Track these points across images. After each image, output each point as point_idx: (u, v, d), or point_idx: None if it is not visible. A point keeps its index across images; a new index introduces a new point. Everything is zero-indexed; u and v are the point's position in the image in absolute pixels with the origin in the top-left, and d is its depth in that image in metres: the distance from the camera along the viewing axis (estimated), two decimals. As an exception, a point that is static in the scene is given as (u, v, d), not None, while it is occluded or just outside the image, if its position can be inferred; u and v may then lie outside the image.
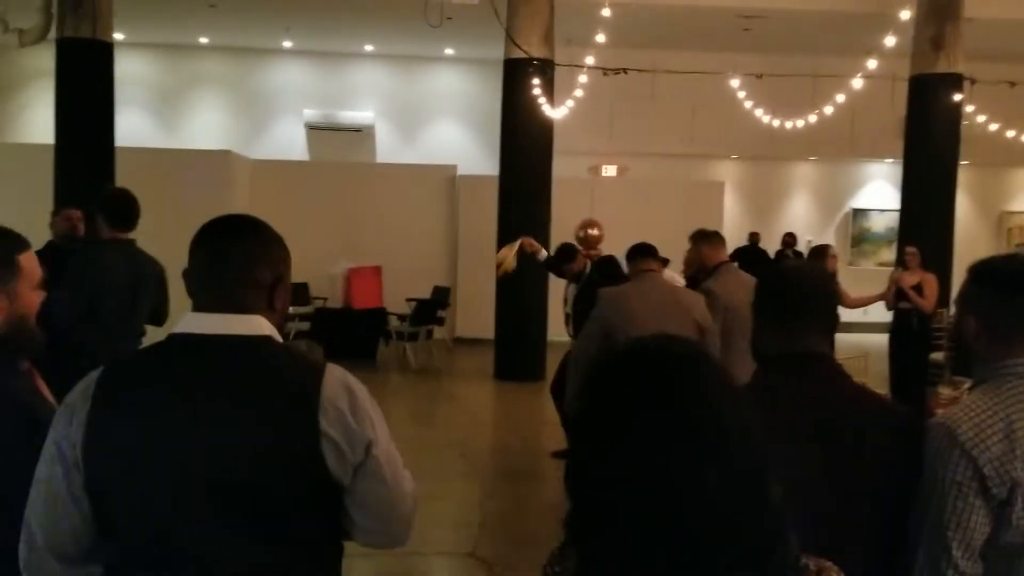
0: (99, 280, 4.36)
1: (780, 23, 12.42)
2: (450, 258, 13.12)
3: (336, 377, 1.61)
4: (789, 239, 14.19)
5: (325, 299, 11.85)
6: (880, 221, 15.33)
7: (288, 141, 14.63)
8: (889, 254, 14.05)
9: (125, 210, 4.48)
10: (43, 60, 10.76)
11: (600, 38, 8.11)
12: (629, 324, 4.30)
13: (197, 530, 1.51)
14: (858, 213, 15.43)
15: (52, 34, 9.68)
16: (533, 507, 6.10)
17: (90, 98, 9.60)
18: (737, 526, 1.10)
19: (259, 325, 1.63)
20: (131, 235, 4.52)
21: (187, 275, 1.67)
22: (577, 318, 6.99)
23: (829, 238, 15.36)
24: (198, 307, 1.64)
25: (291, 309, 11.72)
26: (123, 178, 9.77)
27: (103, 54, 9.63)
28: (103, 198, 4.56)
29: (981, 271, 1.95)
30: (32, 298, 2.05)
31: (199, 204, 11.35)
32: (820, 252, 7.77)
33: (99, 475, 1.53)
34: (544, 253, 7.83)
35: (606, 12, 7.87)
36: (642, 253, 4.81)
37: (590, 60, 9.47)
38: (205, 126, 14.52)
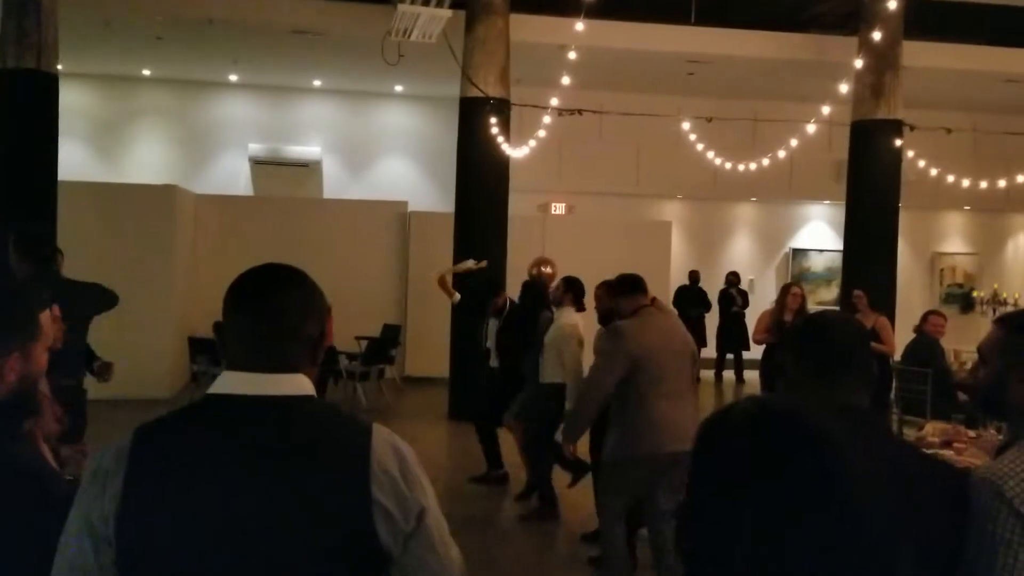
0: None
1: (723, 68, 12.75)
2: (400, 295, 12.99)
3: (384, 439, 1.53)
4: (733, 278, 14.48)
5: (272, 337, 11.56)
6: (819, 261, 15.75)
7: (232, 175, 14.35)
8: (828, 293, 14.44)
9: (37, 249, 4.68)
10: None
11: (566, 80, 8.22)
12: (650, 357, 4.55)
13: None
14: (797, 253, 15.83)
15: (-6, 64, 9.33)
16: (499, 559, 5.90)
17: (33, 130, 9.28)
18: None
19: (302, 384, 1.54)
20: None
21: (224, 331, 1.57)
22: (502, 351, 7.24)
23: (770, 277, 15.72)
24: (238, 365, 1.53)
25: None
26: (65, 212, 9.51)
27: (47, 85, 9.33)
28: (13, 242, 4.70)
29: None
30: (43, 360, 1.96)
31: (143, 239, 11.13)
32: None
33: (133, 550, 1.43)
34: (457, 296, 7.97)
35: (572, 55, 8.00)
36: (638, 288, 4.89)
37: (554, 101, 9.57)
38: (147, 159, 14.17)
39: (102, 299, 5.11)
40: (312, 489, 1.43)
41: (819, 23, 11.63)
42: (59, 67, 9.63)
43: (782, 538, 1.08)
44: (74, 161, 13.14)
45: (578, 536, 6.17)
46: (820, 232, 15.90)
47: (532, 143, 10.12)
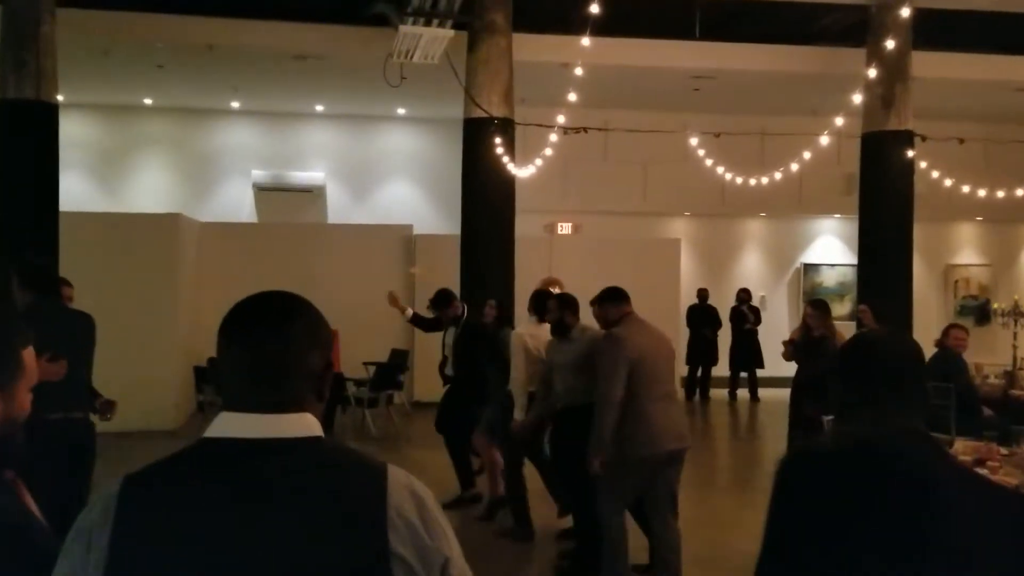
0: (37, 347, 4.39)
1: (729, 83, 12.63)
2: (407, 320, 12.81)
3: (401, 482, 1.37)
4: (744, 295, 14.29)
5: (278, 365, 11.41)
6: (831, 276, 15.55)
7: (236, 203, 14.27)
8: (842, 308, 14.22)
9: (38, 278, 4.67)
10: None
11: (571, 98, 8.07)
12: (644, 361, 4.86)
13: None
14: (809, 268, 15.64)
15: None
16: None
17: (32, 161, 9.19)
18: None
19: (308, 424, 1.38)
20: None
21: (220, 367, 1.41)
22: (458, 359, 7.45)
23: (781, 293, 15.54)
24: (235, 405, 1.37)
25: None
26: (68, 243, 9.40)
27: (47, 116, 9.25)
28: (16, 271, 4.72)
29: None
30: (26, 400, 1.82)
31: (147, 268, 11.01)
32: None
33: None
34: (410, 311, 8.13)
35: (578, 72, 7.83)
36: (621, 297, 5.20)
37: (560, 120, 9.45)
38: (150, 188, 14.09)
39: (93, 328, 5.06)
40: (322, 544, 1.28)
41: (826, 35, 11.50)
42: (60, 97, 9.57)
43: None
44: (77, 192, 13.09)
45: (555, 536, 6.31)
46: (831, 246, 15.72)
47: (538, 162, 9.98)
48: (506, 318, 7.35)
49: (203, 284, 11.88)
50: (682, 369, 13.81)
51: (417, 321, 8.14)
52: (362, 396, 10.95)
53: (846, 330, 9.12)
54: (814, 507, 1.05)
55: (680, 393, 13.58)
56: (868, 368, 1.86)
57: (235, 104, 13.89)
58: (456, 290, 10.25)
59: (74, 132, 13.10)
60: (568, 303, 5.88)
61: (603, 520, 4.99)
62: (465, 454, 7.55)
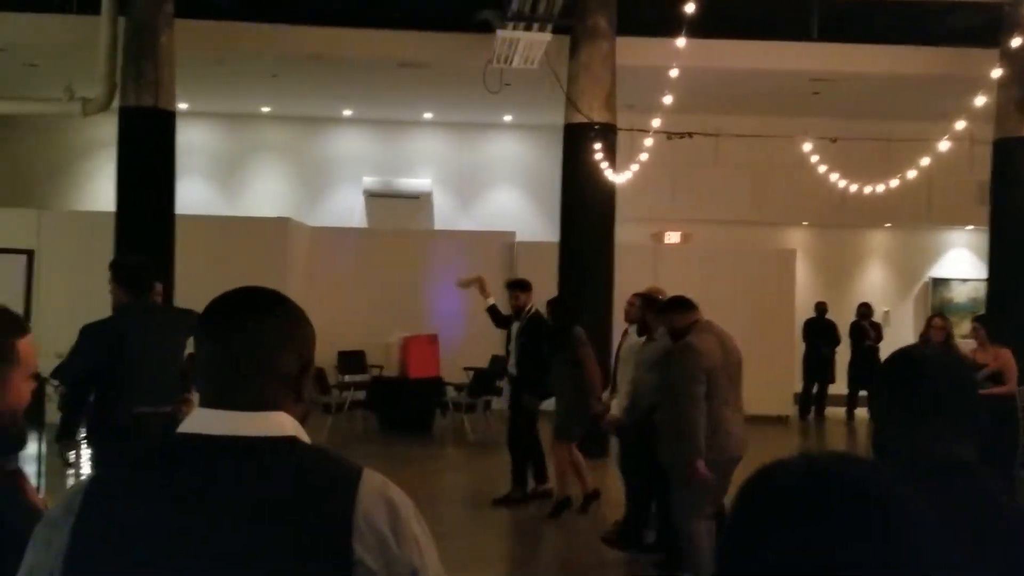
0: (113, 347, 4.58)
1: (850, 87, 12.06)
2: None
3: (375, 488, 1.31)
4: (864, 310, 13.58)
5: (381, 367, 11.57)
6: (962, 291, 14.60)
7: (347, 208, 14.61)
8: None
9: (132, 277, 4.77)
10: (107, 129, 10.90)
11: (667, 99, 7.81)
12: (715, 368, 4.94)
13: None
14: (938, 283, 14.72)
15: (116, 103, 9.76)
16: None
17: (151, 166, 9.63)
18: None
19: (281, 424, 1.33)
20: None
21: (194, 364, 1.38)
22: (521, 353, 7.48)
23: (907, 309, 14.70)
24: (208, 402, 1.34)
25: (347, 378, 11.51)
26: (183, 245, 9.80)
27: (165, 123, 9.67)
28: (112, 268, 4.86)
29: None
30: (24, 390, 1.81)
31: (258, 271, 11.30)
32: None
33: None
34: (491, 300, 8.04)
35: (674, 73, 7.57)
36: (687, 305, 5.26)
37: (656, 123, 9.19)
38: (265, 194, 14.60)
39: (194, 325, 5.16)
40: (286, 548, 1.24)
41: (954, 36, 10.79)
42: (183, 106, 10.02)
43: None
44: (198, 196, 13.66)
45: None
46: (963, 260, 14.76)
47: (634, 167, 9.73)
48: (572, 316, 7.26)
49: (313, 287, 12.19)
50: (796, 385, 13.23)
51: (494, 312, 8.07)
52: (461, 401, 10.97)
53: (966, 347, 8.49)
54: (760, 536, 0.95)
55: (794, 410, 13.01)
56: (912, 387, 1.68)
57: (347, 112, 14.24)
58: (551, 296, 10.17)
59: (196, 139, 13.71)
60: (651, 304, 6.12)
61: (687, 530, 5.05)
62: (524, 453, 7.58)
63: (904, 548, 0.90)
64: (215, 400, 1.34)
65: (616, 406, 6.55)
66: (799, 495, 0.94)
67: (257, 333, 1.36)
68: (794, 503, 0.93)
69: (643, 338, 6.28)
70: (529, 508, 7.37)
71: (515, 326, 7.64)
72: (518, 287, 7.68)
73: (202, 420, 1.33)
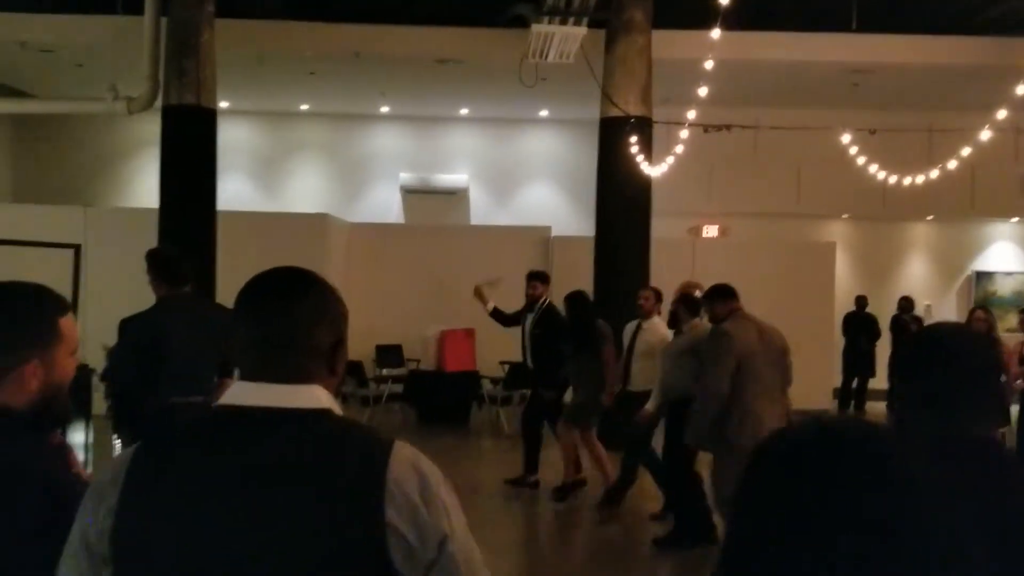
0: (155, 339, 4.62)
1: (891, 78, 11.89)
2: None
3: (405, 458, 1.37)
4: (906, 303, 13.39)
5: (418, 361, 11.69)
6: (1007, 284, 14.34)
7: (384, 204, 14.73)
8: (1017, 320, 13.04)
9: (169, 267, 4.78)
10: (151, 127, 11.13)
11: (703, 91, 7.78)
12: (751, 357, 5.03)
13: None
14: (981, 276, 14.47)
15: (159, 102, 9.95)
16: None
17: (193, 163, 9.81)
18: None
19: (317, 397, 1.40)
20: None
21: (233, 340, 1.44)
22: (535, 343, 7.60)
23: (950, 302, 14.47)
24: (247, 375, 1.41)
25: (385, 371, 11.63)
26: (224, 241, 9.97)
27: (206, 120, 9.85)
28: (147, 259, 4.86)
29: None
30: (68, 366, 1.87)
31: (296, 264, 11.46)
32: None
33: (131, 570, 1.31)
34: (491, 304, 8.18)
35: (708, 64, 7.54)
36: (729, 294, 5.36)
37: (691, 115, 9.15)
38: (305, 191, 14.77)
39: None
40: (320, 510, 1.31)
41: (995, 26, 10.59)
42: (224, 104, 10.17)
43: None
44: (239, 193, 13.87)
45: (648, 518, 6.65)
46: (1007, 253, 14.48)
47: (670, 160, 9.69)
48: (591, 310, 7.47)
49: (352, 282, 12.30)
50: (836, 379, 13.09)
51: (497, 315, 8.20)
52: (496, 394, 11.05)
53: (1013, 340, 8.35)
54: (768, 504, 0.97)
55: (833, 404, 12.87)
56: (934, 366, 1.67)
57: (384, 109, 14.35)
58: (590, 291, 10.18)
59: (237, 137, 13.92)
60: (685, 299, 6.37)
61: (721, 509, 5.19)
62: (537, 438, 7.74)
63: (909, 506, 0.92)
64: (253, 374, 1.41)
65: (651, 403, 6.60)
66: (809, 451, 0.96)
67: (293, 310, 1.42)
68: (804, 459, 0.96)
69: (671, 332, 6.50)
70: (568, 499, 7.40)
71: (529, 319, 7.73)
72: (538, 278, 7.80)
73: (240, 393, 1.40)
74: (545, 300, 7.72)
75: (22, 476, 1.68)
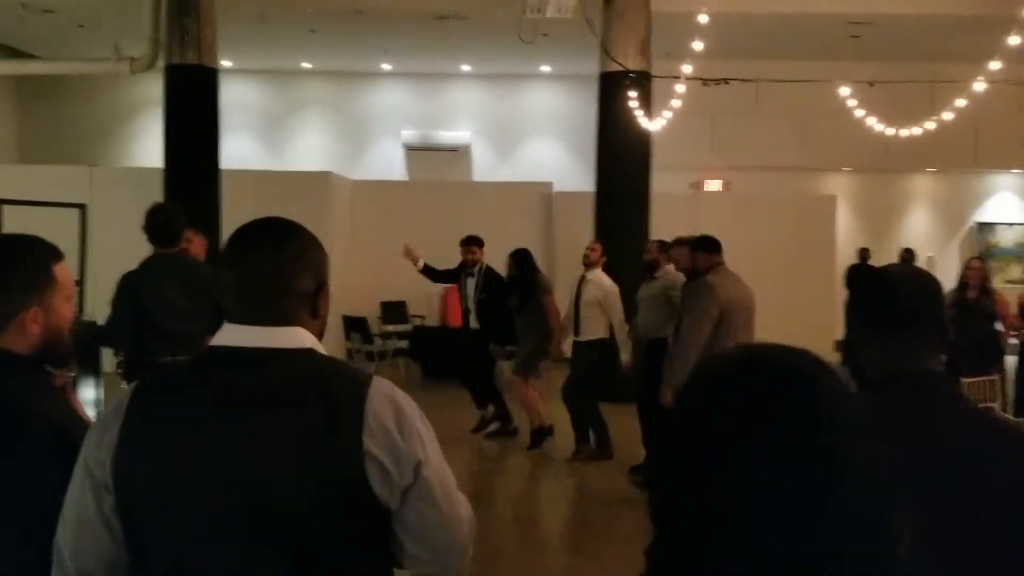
0: (134, 290, 4.70)
1: (891, 29, 11.81)
2: (546, 275, 12.92)
3: (382, 391, 1.48)
4: (907, 255, 13.44)
5: (423, 317, 11.83)
6: (1008, 236, 14.37)
7: (387, 162, 14.79)
8: (1019, 271, 13.14)
9: (161, 226, 4.80)
10: (154, 87, 11.17)
11: (698, 45, 7.79)
12: (732, 309, 5.15)
13: (230, 558, 1.40)
14: (983, 227, 14.50)
15: (161, 62, 9.99)
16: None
17: (196, 122, 9.88)
18: None
19: (300, 337, 1.51)
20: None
21: (220, 286, 1.55)
22: (480, 306, 7.79)
23: (952, 254, 14.51)
24: (235, 319, 1.52)
25: (390, 327, 11.79)
26: (228, 199, 10.06)
27: (208, 80, 9.90)
28: (145, 218, 4.86)
29: None
30: (65, 310, 1.97)
31: (300, 222, 11.57)
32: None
33: (130, 496, 1.43)
34: (421, 263, 8.23)
35: (703, 18, 7.55)
36: (714, 247, 5.49)
37: (687, 69, 9.14)
38: (308, 148, 14.83)
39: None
40: (304, 439, 1.41)
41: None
42: (226, 64, 10.19)
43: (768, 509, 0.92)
44: (243, 152, 13.93)
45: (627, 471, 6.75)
46: (1009, 204, 14.49)
47: (667, 115, 9.70)
48: (534, 266, 7.75)
49: (356, 239, 12.43)
50: (838, 332, 13.19)
51: (428, 271, 8.32)
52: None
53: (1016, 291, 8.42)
54: (695, 425, 0.98)
55: (835, 356, 12.98)
56: (884, 301, 1.75)
57: (386, 66, 14.33)
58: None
59: (240, 95, 13.95)
60: (666, 248, 6.59)
61: None
62: (485, 383, 8.01)
63: (831, 431, 0.93)
64: (240, 317, 1.50)
65: (624, 352, 6.97)
66: (733, 376, 0.99)
67: (276, 256, 1.52)
68: (727, 384, 0.98)
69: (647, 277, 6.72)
70: (561, 448, 7.56)
71: (470, 284, 7.93)
72: (475, 242, 7.96)
73: (229, 334, 1.50)
74: (483, 265, 7.93)
75: (26, 415, 1.77)
